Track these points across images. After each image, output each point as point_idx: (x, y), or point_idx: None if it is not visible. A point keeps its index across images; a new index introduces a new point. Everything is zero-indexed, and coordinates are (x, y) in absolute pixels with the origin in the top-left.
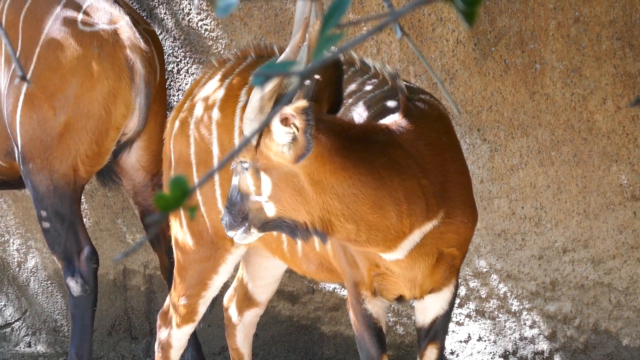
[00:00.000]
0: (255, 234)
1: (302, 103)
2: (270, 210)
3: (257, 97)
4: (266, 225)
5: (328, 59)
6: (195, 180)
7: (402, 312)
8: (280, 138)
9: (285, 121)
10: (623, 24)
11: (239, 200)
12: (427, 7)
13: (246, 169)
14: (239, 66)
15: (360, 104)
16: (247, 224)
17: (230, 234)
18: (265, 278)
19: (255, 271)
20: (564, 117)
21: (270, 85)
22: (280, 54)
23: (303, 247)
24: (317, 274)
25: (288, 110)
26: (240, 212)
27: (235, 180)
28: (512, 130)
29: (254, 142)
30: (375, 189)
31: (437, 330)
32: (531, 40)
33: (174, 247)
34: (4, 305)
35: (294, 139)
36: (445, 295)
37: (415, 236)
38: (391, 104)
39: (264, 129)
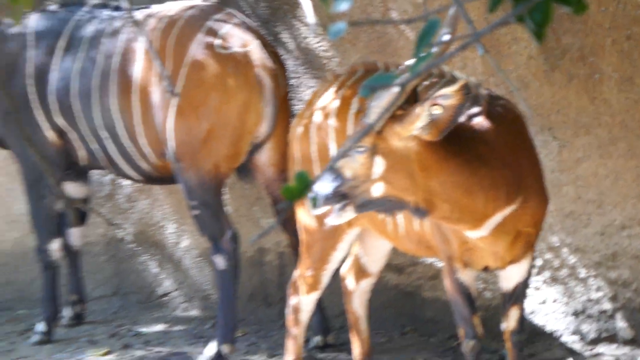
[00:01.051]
0: (349, 214)
1: (463, 81)
2: (378, 190)
3: (388, 93)
4: (367, 204)
5: (423, 71)
6: (315, 175)
7: (489, 280)
8: (423, 120)
9: (432, 104)
10: None
11: (339, 182)
12: (503, 28)
13: (360, 152)
14: (350, 79)
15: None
16: (343, 204)
17: (317, 211)
18: (376, 254)
19: (367, 248)
20: (619, 118)
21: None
22: (383, 69)
23: (405, 227)
24: (416, 250)
25: (446, 90)
26: (337, 192)
27: (336, 163)
28: (577, 129)
29: (376, 127)
30: (468, 177)
31: (518, 294)
32: (590, 54)
33: (300, 229)
34: (164, 278)
35: (434, 119)
36: (523, 265)
37: (497, 217)
38: (475, 108)
39: (389, 118)
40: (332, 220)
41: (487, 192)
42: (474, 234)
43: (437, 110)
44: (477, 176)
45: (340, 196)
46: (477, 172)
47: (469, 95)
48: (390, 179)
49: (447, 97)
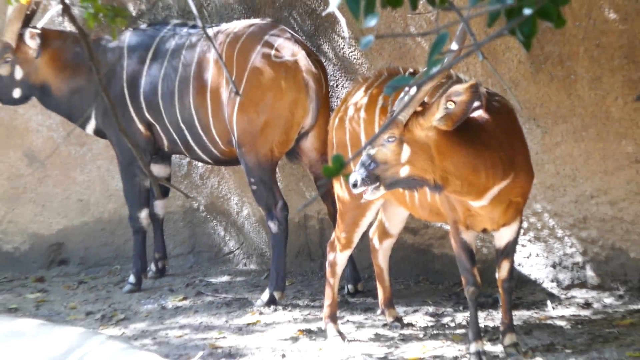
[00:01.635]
0: (381, 191)
1: (473, 82)
2: (404, 171)
3: (416, 91)
4: (395, 182)
5: (435, 74)
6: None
7: (486, 239)
8: (440, 112)
9: (448, 98)
10: (628, 48)
11: (373, 166)
12: (499, 39)
13: (391, 141)
14: (377, 81)
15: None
16: (377, 183)
17: (357, 190)
18: (396, 219)
19: (389, 215)
20: (590, 109)
21: (428, 85)
22: (404, 74)
23: (419, 199)
24: (428, 216)
25: (458, 87)
26: (372, 174)
27: (371, 152)
28: (556, 119)
29: (404, 121)
30: (474, 158)
31: (509, 250)
32: (567, 59)
33: (336, 199)
34: (229, 239)
35: (448, 112)
36: (513, 227)
37: (495, 190)
38: (476, 103)
39: (415, 112)
40: (367, 197)
41: (488, 169)
42: (477, 204)
43: (451, 105)
44: (481, 157)
45: (374, 178)
46: (481, 154)
47: (477, 92)
48: (414, 162)
49: (459, 94)
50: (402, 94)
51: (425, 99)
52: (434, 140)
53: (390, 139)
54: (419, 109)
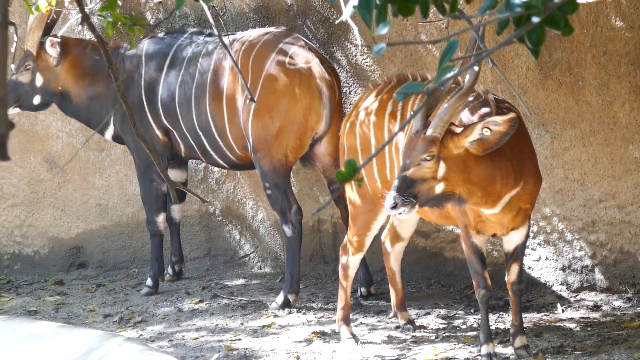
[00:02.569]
0: (415, 209)
1: (512, 115)
2: (439, 188)
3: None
4: (430, 199)
5: (445, 81)
6: (360, 162)
7: (497, 243)
8: (474, 136)
9: (485, 126)
10: (635, 54)
11: (411, 186)
12: (508, 46)
13: (429, 160)
14: (386, 87)
15: (466, 110)
16: (414, 202)
17: (394, 211)
18: (408, 222)
19: (400, 219)
20: (598, 115)
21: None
22: (412, 80)
23: None
24: (438, 219)
25: (498, 118)
26: (411, 194)
27: (407, 173)
28: (565, 124)
29: (439, 138)
30: (493, 169)
31: (518, 253)
32: (575, 66)
33: (348, 204)
34: (244, 243)
35: (482, 138)
36: (522, 231)
37: (506, 198)
38: (485, 109)
39: (452, 130)
40: (403, 216)
41: (502, 179)
42: (489, 211)
43: (487, 132)
44: (498, 167)
45: (412, 197)
46: (498, 164)
47: (515, 126)
48: (449, 177)
49: (497, 123)
50: (420, 104)
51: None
52: (463, 156)
53: (428, 158)
54: (453, 127)
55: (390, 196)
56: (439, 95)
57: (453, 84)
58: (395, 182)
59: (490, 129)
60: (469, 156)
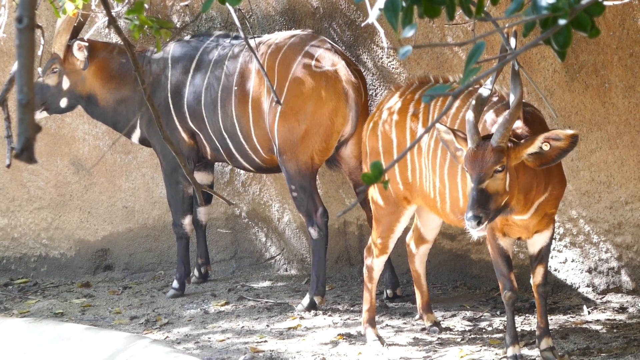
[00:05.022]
0: (486, 224)
1: (575, 132)
2: (505, 199)
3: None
4: (500, 211)
5: (471, 83)
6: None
7: (523, 245)
8: (534, 149)
9: (546, 139)
10: None
11: (489, 199)
12: (534, 48)
13: (500, 171)
14: (408, 90)
15: (491, 112)
16: (489, 217)
17: (478, 228)
18: (431, 225)
19: (424, 220)
20: (624, 117)
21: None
22: (435, 82)
23: (451, 204)
24: (459, 222)
25: (560, 132)
26: (489, 209)
27: (483, 185)
28: (591, 127)
29: (505, 147)
30: (532, 178)
31: (543, 255)
32: (602, 68)
33: (372, 206)
34: (270, 245)
35: (540, 152)
36: (546, 234)
37: (536, 204)
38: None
39: (510, 143)
40: (480, 233)
41: (536, 185)
42: (519, 217)
43: (546, 146)
44: (535, 175)
45: (490, 211)
46: (534, 172)
47: (576, 143)
48: (512, 188)
49: (558, 138)
50: (470, 112)
51: (455, 106)
52: (516, 166)
53: (499, 169)
54: (513, 138)
55: (471, 212)
56: (484, 101)
57: (477, 85)
58: (473, 197)
59: (550, 144)
60: (518, 165)
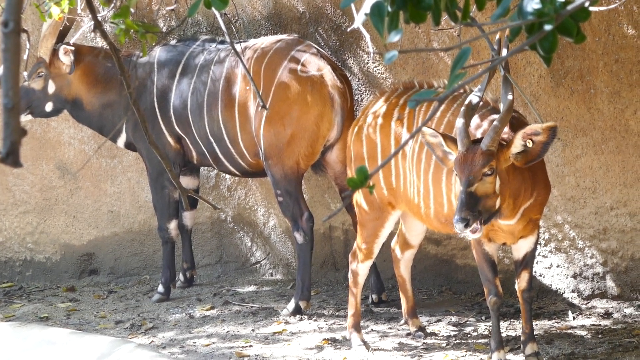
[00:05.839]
0: (482, 227)
1: (552, 124)
2: (497, 203)
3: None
4: (492, 215)
5: (457, 88)
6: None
7: (508, 250)
8: (516, 148)
9: (525, 136)
10: None
11: (477, 202)
12: (520, 54)
13: (489, 174)
14: (393, 94)
15: (476, 117)
16: (481, 218)
17: (467, 230)
18: (416, 230)
19: (409, 225)
20: (609, 123)
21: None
22: (419, 87)
23: (435, 210)
24: (443, 228)
25: (537, 126)
26: (478, 212)
27: (472, 188)
28: (576, 132)
29: (495, 150)
30: (520, 182)
31: (527, 261)
32: (587, 74)
33: (357, 210)
34: (255, 250)
35: (525, 150)
36: (531, 239)
37: (522, 210)
38: (495, 117)
39: (499, 145)
40: (475, 235)
41: (523, 190)
42: (506, 223)
43: (529, 143)
44: (522, 179)
45: (479, 213)
46: (522, 176)
47: (555, 134)
48: (503, 192)
49: (537, 133)
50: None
51: (440, 110)
52: (506, 169)
53: (489, 172)
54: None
55: (459, 215)
56: (475, 106)
57: (466, 92)
58: (461, 200)
59: (532, 140)
60: (509, 169)
